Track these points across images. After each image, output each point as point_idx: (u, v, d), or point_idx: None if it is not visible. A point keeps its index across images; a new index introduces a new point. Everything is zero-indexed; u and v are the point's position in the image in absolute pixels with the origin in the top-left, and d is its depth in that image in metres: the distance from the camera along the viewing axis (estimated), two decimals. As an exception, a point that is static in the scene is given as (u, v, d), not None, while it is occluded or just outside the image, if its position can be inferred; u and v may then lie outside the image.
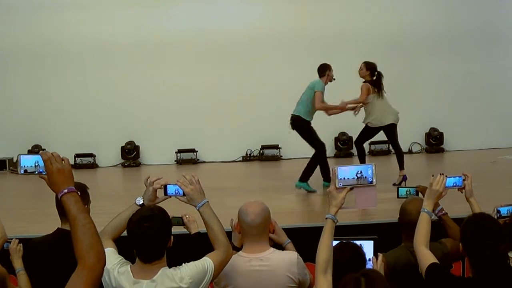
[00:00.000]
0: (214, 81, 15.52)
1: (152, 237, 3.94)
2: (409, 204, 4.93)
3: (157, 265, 4.00)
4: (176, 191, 4.36)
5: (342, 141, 15.83)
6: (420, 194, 5.38)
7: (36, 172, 3.13)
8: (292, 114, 11.36)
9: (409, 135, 15.88)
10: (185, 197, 4.33)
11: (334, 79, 11.37)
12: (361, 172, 4.23)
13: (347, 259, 3.90)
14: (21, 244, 5.01)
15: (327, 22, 15.79)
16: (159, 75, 15.67)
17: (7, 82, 15.87)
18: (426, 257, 4.11)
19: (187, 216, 5.02)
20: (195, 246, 4.69)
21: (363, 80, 11.51)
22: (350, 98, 11.77)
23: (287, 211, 8.41)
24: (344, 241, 4.07)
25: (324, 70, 11.30)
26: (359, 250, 3.98)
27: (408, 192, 5.36)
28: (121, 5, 15.79)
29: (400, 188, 5.39)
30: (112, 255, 4.10)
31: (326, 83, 11.22)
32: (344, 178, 4.22)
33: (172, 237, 4.09)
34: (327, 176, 10.41)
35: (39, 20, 15.74)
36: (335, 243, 4.05)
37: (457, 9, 16.10)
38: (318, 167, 10.77)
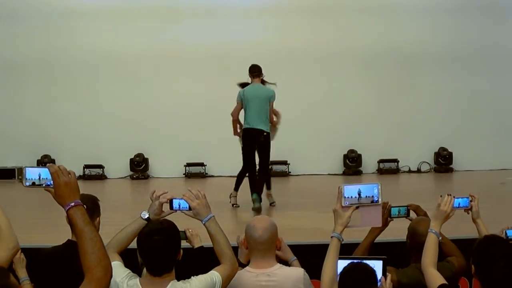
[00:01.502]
0: (223, 95, 15.50)
1: (162, 250, 3.96)
2: (421, 225, 4.87)
3: (166, 278, 4.02)
4: (182, 206, 4.38)
5: (351, 158, 15.82)
6: (411, 213, 5.37)
7: (44, 185, 3.12)
8: (264, 130, 10.89)
9: (418, 154, 15.90)
10: (191, 211, 4.35)
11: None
12: (360, 191, 4.25)
13: (359, 281, 3.87)
14: (23, 254, 5.01)
15: (335, 38, 15.83)
16: (169, 88, 15.72)
17: (18, 92, 15.94)
18: (435, 278, 4.12)
19: (190, 230, 5.03)
20: (198, 260, 4.70)
21: None
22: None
23: (294, 227, 8.40)
24: (355, 262, 4.05)
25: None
26: (372, 272, 3.96)
27: (399, 212, 5.29)
28: (133, 18, 15.84)
29: (392, 208, 5.32)
30: (119, 268, 4.12)
31: None
32: (350, 197, 4.25)
33: (181, 250, 4.12)
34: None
35: (50, 30, 15.84)
36: (346, 262, 4.04)
37: (465, 27, 16.08)
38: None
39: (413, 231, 4.99)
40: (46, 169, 3.07)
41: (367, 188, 4.30)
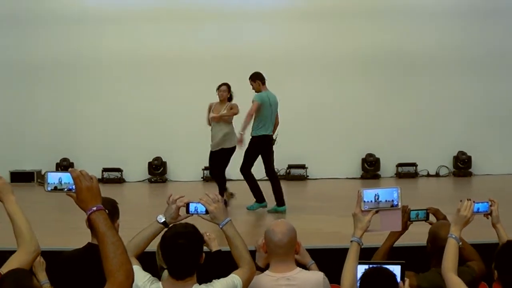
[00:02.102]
0: (241, 100, 15.52)
1: (186, 253, 3.98)
2: (442, 230, 4.79)
3: (189, 282, 4.04)
4: (199, 209, 4.40)
5: (369, 162, 15.78)
6: (430, 216, 5.35)
7: (65, 190, 3.14)
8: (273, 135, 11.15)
9: (437, 158, 15.83)
10: (208, 215, 4.37)
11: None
12: (380, 195, 4.25)
13: (379, 285, 3.85)
14: (42, 257, 5.03)
15: (354, 41, 15.78)
16: (188, 91, 15.70)
17: (37, 95, 16.02)
18: (456, 283, 4.11)
19: (207, 234, 5.04)
20: (216, 264, 4.71)
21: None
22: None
23: (312, 231, 8.40)
24: (376, 266, 4.03)
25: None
26: (393, 276, 3.95)
27: (417, 215, 5.26)
28: (152, 21, 15.87)
29: (411, 211, 5.29)
30: (140, 272, 4.14)
31: None
32: (369, 201, 4.25)
33: (204, 254, 4.14)
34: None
35: (70, 33, 15.90)
36: (365, 267, 4.03)
37: (486, 31, 15.99)
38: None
39: (434, 235, 4.94)
40: (68, 174, 3.08)
41: (386, 192, 4.30)
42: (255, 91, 11.27)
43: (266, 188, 10.96)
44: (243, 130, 11.07)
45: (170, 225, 4.27)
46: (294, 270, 4.58)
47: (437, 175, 15.91)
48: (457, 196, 10.96)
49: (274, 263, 4.62)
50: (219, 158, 11.31)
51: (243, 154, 11.09)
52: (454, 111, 15.99)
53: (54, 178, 3.17)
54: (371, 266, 4.01)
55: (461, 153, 15.85)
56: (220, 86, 11.64)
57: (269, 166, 11.06)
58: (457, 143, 15.88)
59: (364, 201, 4.26)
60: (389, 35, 15.87)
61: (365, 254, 4.43)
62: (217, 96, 11.58)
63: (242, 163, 11.04)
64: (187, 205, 4.41)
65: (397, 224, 4.51)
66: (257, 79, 11.29)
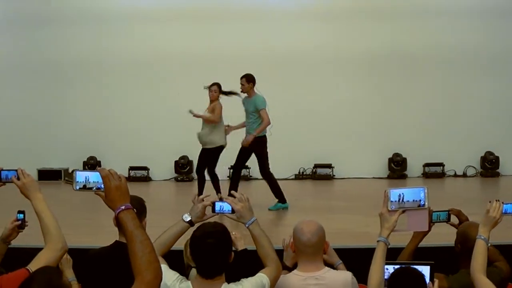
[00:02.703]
0: (267, 100, 15.48)
1: (215, 252, 3.99)
2: (473, 231, 4.66)
3: (218, 281, 4.04)
4: (225, 208, 4.39)
5: (396, 162, 15.69)
6: (452, 217, 5.30)
7: (94, 189, 3.16)
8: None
9: (464, 158, 15.71)
10: (233, 214, 4.36)
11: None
12: (407, 195, 4.23)
13: (408, 286, 3.81)
14: (68, 254, 5.05)
15: (382, 40, 15.71)
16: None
17: (65, 93, 16.09)
18: (486, 285, 4.09)
19: (233, 233, 5.04)
20: (242, 263, 4.71)
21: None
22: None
23: (339, 231, 8.38)
24: (404, 267, 4.00)
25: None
26: (422, 277, 3.92)
27: (438, 217, 5.22)
28: (178, 19, 15.88)
29: (433, 212, 5.24)
30: (168, 271, 4.14)
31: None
32: (396, 201, 4.23)
33: (232, 253, 4.14)
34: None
35: (98, 33, 15.95)
36: (392, 267, 4.02)
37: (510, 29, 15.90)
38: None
39: (464, 236, 4.88)
40: (97, 173, 3.10)
41: (413, 192, 4.28)
42: (243, 92, 11.49)
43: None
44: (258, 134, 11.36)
45: (199, 225, 4.26)
46: (322, 269, 4.58)
47: (464, 175, 15.80)
48: (484, 197, 10.88)
49: (302, 263, 4.61)
50: (203, 157, 11.79)
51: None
52: (482, 111, 15.85)
53: (82, 177, 3.19)
54: (400, 266, 4.00)
55: (489, 153, 15.72)
56: (211, 85, 11.74)
57: (266, 166, 11.30)
58: (484, 143, 15.74)
59: (391, 201, 4.24)
60: (415, 33, 15.77)
61: (390, 255, 4.40)
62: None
63: (261, 165, 11.19)
64: (213, 204, 4.40)
65: (424, 224, 4.49)
66: (251, 81, 11.52)
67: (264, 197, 11.35)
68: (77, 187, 3.23)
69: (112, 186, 2.99)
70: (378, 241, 4.27)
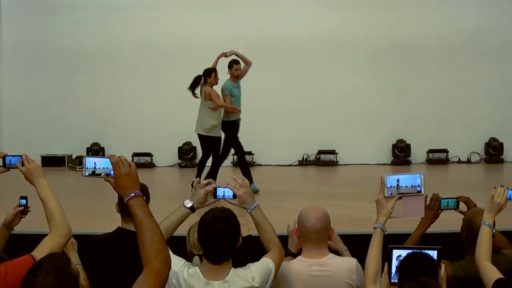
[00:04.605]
0: (271, 86, 15.47)
1: (224, 238, 4.01)
2: (479, 217, 4.58)
3: (226, 266, 4.07)
4: (226, 194, 4.38)
5: (400, 148, 15.66)
6: (461, 204, 5.29)
7: (103, 175, 3.15)
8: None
9: (468, 145, 15.67)
10: (236, 200, 4.35)
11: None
12: (403, 181, 4.22)
13: (420, 270, 3.78)
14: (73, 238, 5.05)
15: (384, 29, 15.61)
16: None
17: (68, 81, 16.06)
18: (491, 272, 4.07)
19: (239, 219, 5.06)
20: (247, 248, 4.71)
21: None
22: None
23: (344, 217, 8.38)
24: (416, 252, 3.98)
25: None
26: (433, 261, 3.90)
27: (447, 204, 5.18)
28: (184, 6, 15.88)
29: (441, 199, 5.21)
30: (175, 258, 4.13)
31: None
32: (392, 187, 4.23)
33: (240, 238, 4.15)
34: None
35: (101, 20, 15.92)
36: (400, 252, 3.99)
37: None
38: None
39: (470, 223, 4.84)
40: (106, 159, 3.10)
41: (410, 178, 4.29)
42: (239, 76, 12.04)
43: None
44: None
45: (206, 210, 4.24)
46: (327, 256, 4.58)
47: (468, 161, 15.77)
48: (488, 183, 10.87)
49: (307, 249, 4.61)
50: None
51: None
52: (486, 97, 15.82)
53: (91, 163, 3.19)
54: (411, 251, 3.97)
55: (493, 139, 15.68)
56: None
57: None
58: (488, 130, 15.71)
59: (388, 187, 4.24)
60: (420, 22, 15.71)
61: (397, 241, 4.39)
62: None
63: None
64: (214, 190, 4.39)
65: (420, 210, 4.49)
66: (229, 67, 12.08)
67: (267, 183, 11.35)
68: (86, 173, 3.24)
69: (122, 173, 2.99)
70: (375, 227, 4.27)
